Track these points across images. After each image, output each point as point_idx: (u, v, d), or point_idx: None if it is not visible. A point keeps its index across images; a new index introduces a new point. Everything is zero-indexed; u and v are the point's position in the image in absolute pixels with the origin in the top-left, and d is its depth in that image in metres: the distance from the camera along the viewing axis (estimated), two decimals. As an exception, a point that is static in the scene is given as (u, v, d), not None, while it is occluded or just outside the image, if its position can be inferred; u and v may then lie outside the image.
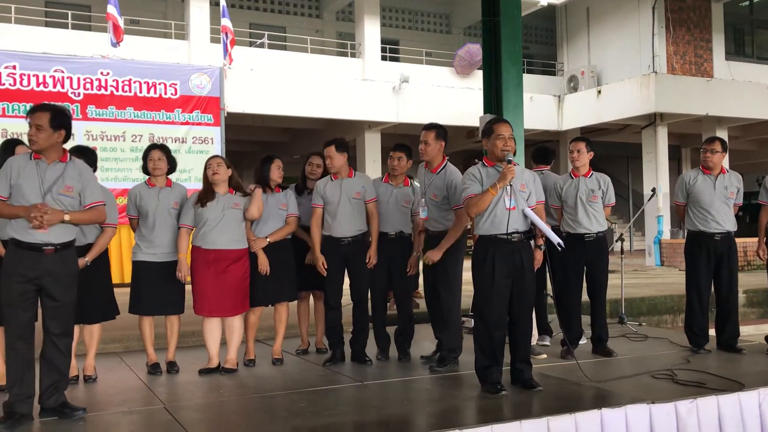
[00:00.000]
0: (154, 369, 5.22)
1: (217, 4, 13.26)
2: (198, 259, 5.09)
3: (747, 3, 19.01)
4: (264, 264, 5.24)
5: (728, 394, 4.36)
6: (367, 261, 5.36)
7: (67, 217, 3.87)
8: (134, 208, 5.22)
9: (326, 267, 5.35)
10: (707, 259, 5.81)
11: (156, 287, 5.12)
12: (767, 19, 19.36)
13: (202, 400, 4.58)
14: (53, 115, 3.88)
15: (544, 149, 6.41)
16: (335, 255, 5.37)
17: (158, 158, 5.20)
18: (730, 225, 5.82)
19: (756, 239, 6.03)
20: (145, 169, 5.27)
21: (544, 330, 6.21)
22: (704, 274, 5.84)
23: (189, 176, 11.26)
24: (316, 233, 5.40)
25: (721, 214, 5.79)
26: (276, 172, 5.41)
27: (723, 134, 16.49)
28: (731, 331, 5.87)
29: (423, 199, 5.31)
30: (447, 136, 5.36)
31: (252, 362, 5.45)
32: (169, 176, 5.31)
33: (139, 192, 5.22)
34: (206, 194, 5.12)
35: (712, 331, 6.00)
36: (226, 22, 12.90)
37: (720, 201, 5.80)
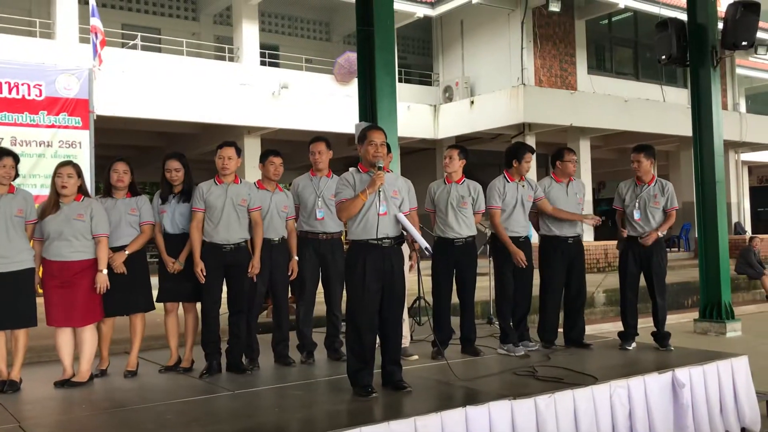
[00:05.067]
0: (1, 385, 4.87)
1: (86, 2, 12.67)
2: (45, 271, 4.96)
3: (606, 22, 20.33)
4: (109, 277, 5.04)
5: (583, 388, 4.65)
6: (250, 270, 5.31)
7: None
8: None
9: (205, 275, 5.23)
10: (561, 261, 6.22)
11: None
12: (624, 36, 20.79)
13: (61, 416, 4.37)
14: None
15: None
16: (215, 262, 5.27)
17: (10, 166, 4.91)
18: (580, 229, 6.27)
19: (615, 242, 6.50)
20: None
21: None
22: (558, 275, 6.24)
23: (55, 182, 10.78)
24: (197, 238, 5.28)
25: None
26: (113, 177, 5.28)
27: (586, 144, 17.50)
28: (580, 328, 6.31)
29: (319, 201, 5.68)
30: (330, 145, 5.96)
31: (104, 372, 5.30)
32: (14, 182, 5.01)
33: None
34: (49, 206, 4.95)
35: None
36: (95, 21, 12.32)
37: (572, 206, 6.22)
